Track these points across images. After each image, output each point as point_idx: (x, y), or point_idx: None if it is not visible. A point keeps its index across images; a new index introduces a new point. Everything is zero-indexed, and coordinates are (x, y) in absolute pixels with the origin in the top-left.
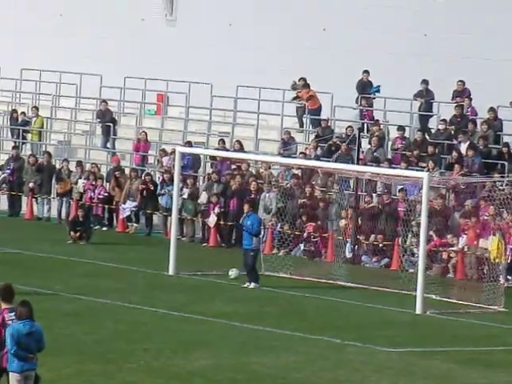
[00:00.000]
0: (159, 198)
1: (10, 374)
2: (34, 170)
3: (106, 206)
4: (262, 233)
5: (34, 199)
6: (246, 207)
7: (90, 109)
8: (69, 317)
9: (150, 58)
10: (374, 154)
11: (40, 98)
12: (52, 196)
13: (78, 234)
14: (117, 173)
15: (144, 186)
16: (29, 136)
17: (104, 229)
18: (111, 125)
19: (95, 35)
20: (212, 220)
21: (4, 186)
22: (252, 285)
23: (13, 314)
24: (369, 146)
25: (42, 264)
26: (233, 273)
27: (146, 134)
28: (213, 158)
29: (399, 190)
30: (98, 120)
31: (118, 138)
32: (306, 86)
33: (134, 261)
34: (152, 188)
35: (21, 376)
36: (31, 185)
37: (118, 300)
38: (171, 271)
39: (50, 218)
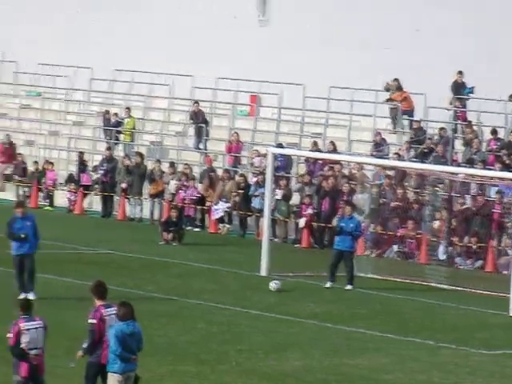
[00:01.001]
0: (252, 199)
1: (110, 374)
2: (127, 171)
3: (199, 207)
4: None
5: (126, 200)
6: (348, 209)
7: (183, 110)
8: (162, 318)
9: (242, 58)
10: (470, 155)
11: (133, 98)
12: (144, 197)
13: (170, 234)
14: (212, 173)
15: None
16: (121, 137)
17: (196, 230)
18: (204, 126)
19: (187, 36)
20: (302, 221)
21: (97, 186)
22: (349, 286)
23: (109, 309)
24: (463, 148)
25: (134, 265)
26: (275, 285)
27: (238, 135)
28: (306, 158)
29: (496, 192)
30: (191, 121)
31: (210, 138)
32: (400, 87)
33: (226, 262)
34: (244, 190)
35: (122, 377)
36: (124, 185)
37: (210, 301)
38: (263, 272)
39: (142, 219)
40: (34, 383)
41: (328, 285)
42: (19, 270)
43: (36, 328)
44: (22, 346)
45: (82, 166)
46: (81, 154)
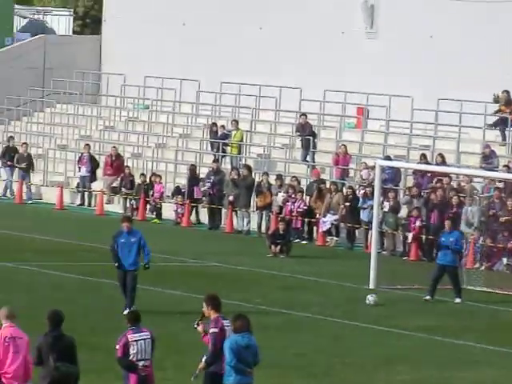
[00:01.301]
0: (360, 211)
1: None
2: (234, 184)
3: (306, 220)
4: (464, 247)
5: (233, 212)
6: (447, 224)
7: (290, 122)
8: (269, 330)
9: (349, 71)
10: None
11: (240, 111)
12: (251, 209)
13: (278, 247)
14: (322, 185)
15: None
16: (228, 149)
17: (304, 242)
18: (311, 138)
19: (295, 48)
20: (410, 236)
21: (204, 199)
22: (457, 299)
23: (226, 321)
24: None
25: (242, 277)
26: (372, 298)
27: (345, 147)
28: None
29: None
30: (298, 133)
31: (317, 151)
32: (509, 99)
33: (333, 274)
34: (352, 202)
35: None
36: (231, 198)
37: (318, 314)
38: (372, 285)
39: (249, 232)
40: None
41: (427, 297)
42: (122, 285)
43: (144, 339)
44: (130, 357)
45: (194, 179)
46: (193, 166)
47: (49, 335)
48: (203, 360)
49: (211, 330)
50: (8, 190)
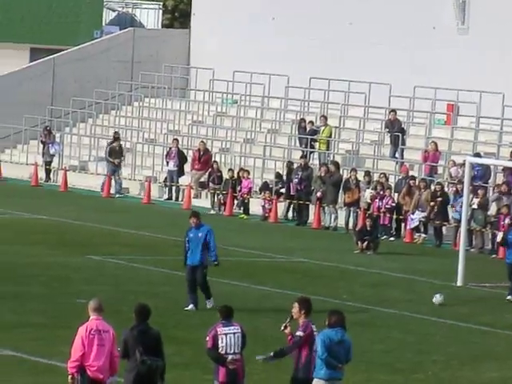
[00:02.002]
0: (450, 208)
1: (316, 380)
2: (322, 180)
3: (394, 216)
4: None
5: (321, 208)
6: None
7: (379, 118)
8: (356, 326)
9: (440, 66)
10: None
11: (329, 106)
12: (339, 206)
13: (365, 243)
14: (411, 182)
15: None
16: (317, 145)
17: (391, 239)
18: (400, 134)
19: (386, 44)
20: (500, 236)
21: (292, 194)
22: (508, 297)
23: (314, 326)
24: None
25: (329, 273)
26: (439, 298)
27: (435, 144)
28: (504, 168)
29: None
30: (387, 130)
31: (406, 147)
32: None
33: (421, 271)
34: (441, 199)
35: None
36: (319, 194)
37: (405, 310)
38: (459, 282)
39: (336, 228)
40: None
41: (508, 297)
42: (188, 280)
43: (233, 333)
44: (219, 350)
45: (290, 175)
46: (290, 163)
47: (135, 329)
48: (274, 352)
49: (297, 333)
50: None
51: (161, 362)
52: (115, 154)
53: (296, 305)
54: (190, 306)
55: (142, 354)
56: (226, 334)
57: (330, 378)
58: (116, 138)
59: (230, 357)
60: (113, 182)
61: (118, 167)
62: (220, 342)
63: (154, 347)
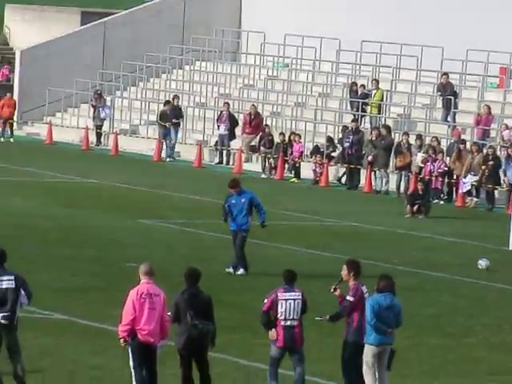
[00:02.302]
0: (502, 172)
1: (366, 345)
2: (373, 144)
3: (446, 180)
4: None
5: (372, 172)
6: None
7: (431, 82)
8: (406, 290)
9: (492, 29)
10: None
11: (380, 70)
12: (390, 169)
13: (416, 207)
14: (461, 146)
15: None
16: (368, 109)
17: (442, 203)
18: (452, 98)
19: (437, 6)
20: None
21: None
22: None
23: (364, 287)
24: None
25: (379, 237)
26: (483, 263)
27: (488, 107)
28: None
29: None
30: (439, 93)
31: (458, 111)
32: None
33: (473, 235)
34: (493, 163)
35: (378, 349)
36: (370, 158)
37: (456, 274)
38: (511, 246)
39: (388, 192)
40: (290, 354)
41: None
42: (233, 244)
43: (294, 299)
44: (279, 315)
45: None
46: (345, 128)
47: (186, 292)
48: (330, 315)
49: (347, 297)
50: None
51: (211, 325)
52: (166, 117)
53: (344, 267)
54: (241, 271)
55: (193, 318)
56: (286, 300)
57: (379, 343)
58: (167, 101)
59: (288, 322)
60: (164, 145)
61: (177, 128)
62: (280, 307)
63: (204, 311)
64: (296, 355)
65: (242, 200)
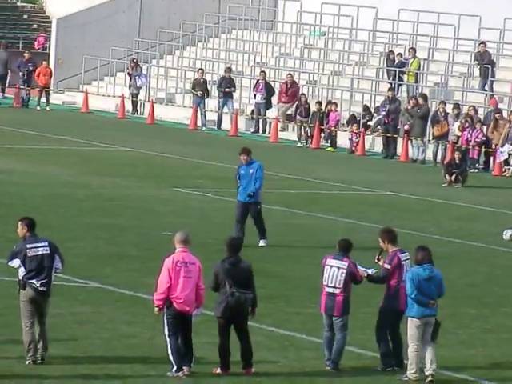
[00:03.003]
0: None
1: (409, 319)
2: (409, 113)
3: (483, 149)
4: None
5: (409, 141)
6: None
7: (468, 50)
8: (442, 260)
9: None
10: None
11: (417, 39)
12: (427, 139)
13: (453, 176)
14: (497, 115)
15: None
16: (405, 77)
17: (480, 172)
18: (489, 67)
19: None
20: None
21: (379, 127)
22: None
23: (404, 254)
24: None
25: (416, 206)
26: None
27: None
28: None
29: None
30: (476, 62)
31: (496, 80)
32: None
33: (509, 204)
34: None
35: (420, 321)
36: (406, 127)
37: (493, 244)
38: None
39: (424, 161)
40: (333, 321)
41: None
42: (237, 215)
43: (338, 268)
44: (323, 280)
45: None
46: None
47: (226, 261)
48: (369, 274)
49: (384, 265)
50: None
51: (251, 294)
52: (199, 86)
53: (379, 238)
54: (262, 242)
55: (232, 287)
56: (331, 267)
57: (422, 315)
58: (200, 69)
59: (330, 290)
60: (199, 114)
61: (202, 99)
62: (325, 272)
63: (244, 280)
64: (337, 323)
65: (251, 171)
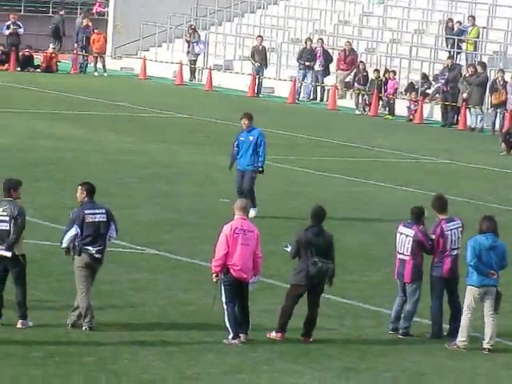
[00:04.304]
0: None
1: (468, 287)
2: (468, 81)
3: None
4: None
5: (467, 110)
6: None
7: None
8: (502, 230)
9: None
10: None
11: (476, 7)
12: (485, 107)
13: (511, 145)
14: None
15: None
16: (464, 45)
17: None
18: None
19: None
20: None
21: (437, 95)
22: None
23: (451, 223)
24: None
25: (474, 175)
26: None
27: None
28: None
29: None
30: None
31: None
32: None
33: None
34: None
35: (479, 290)
36: (465, 95)
37: None
38: None
39: (483, 129)
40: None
41: None
42: (237, 187)
43: (406, 235)
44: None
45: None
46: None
47: (309, 230)
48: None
49: (430, 235)
50: (309, 93)
51: (331, 264)
52: (258, 53)
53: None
54: (252, 212)
55: (314, 256)
56: (400, 234)
57: (481, 284)
58: (259, 36)
59: (400, 256)
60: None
61: (260, 67)
62: (396, 239)
63: (325, 250)
64: (408, 289)
65: (251, 138)
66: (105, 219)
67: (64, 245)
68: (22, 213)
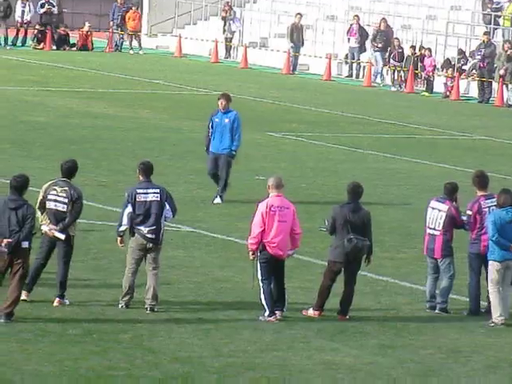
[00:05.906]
0: None
1: (490, 262)
2: (505, 57)
3: None
4: None
5: (504, 86)
6: None
7: None
8: None
9: None
10: None
11: None
12: None
13: None
14: None
15: None
16: (501, 21)
17: None
18: None
19: None
20: None
21: (474, 72)
22: None
23: (489, 200)
24: None
25: (510, 151)
26: None
27: None
28: None
29: None
30: None
31: None
32: None
33: None
34: None
35: (501, 265)
36: (502, 72)
37: None
38: None
39: None
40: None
41: None
42: (209, 169)
43: (439, 210)
44: (426, 222)
45: None
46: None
47: (346, 207)
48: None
49: (467, 211)
50: (379, 76)
51: (367, 241)
52: (297, 30)
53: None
54: (217, 199)
55: (350, 232)
56: (433, 208)
57: (503, 259)
58: (298, 13)
59: (431, 231)
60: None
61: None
62: (427, 214)
63: (362, 227)
64: (440, 266)
65: (226, 120)
66: (158, 199)
67: (124, 227)
68: (81, 196)
